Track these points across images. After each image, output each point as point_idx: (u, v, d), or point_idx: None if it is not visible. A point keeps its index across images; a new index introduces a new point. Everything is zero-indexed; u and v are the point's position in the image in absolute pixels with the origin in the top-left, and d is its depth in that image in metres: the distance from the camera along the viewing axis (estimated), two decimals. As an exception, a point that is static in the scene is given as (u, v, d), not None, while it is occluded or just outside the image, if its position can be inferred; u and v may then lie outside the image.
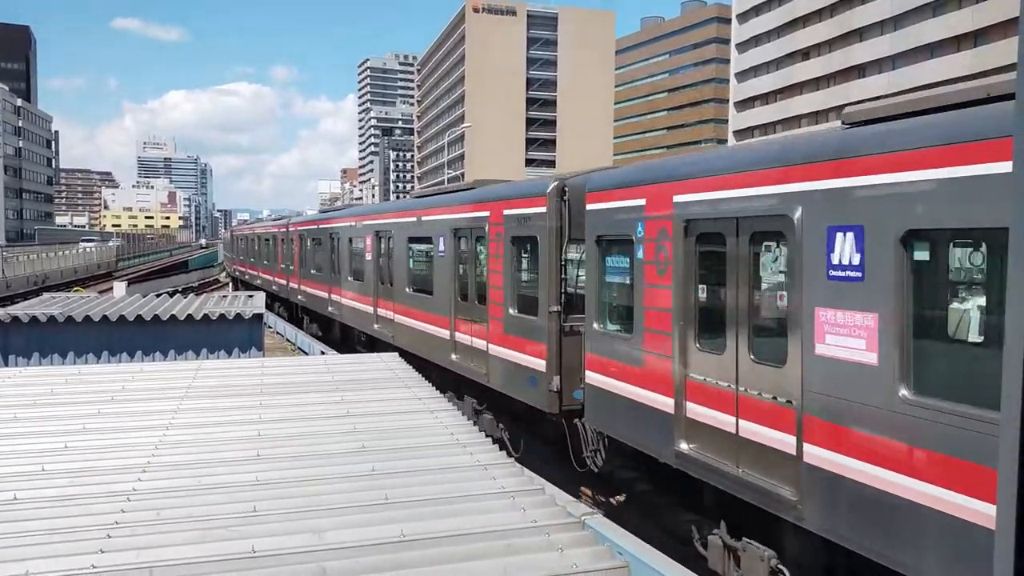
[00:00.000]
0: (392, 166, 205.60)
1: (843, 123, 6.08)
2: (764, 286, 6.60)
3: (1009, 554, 0.71)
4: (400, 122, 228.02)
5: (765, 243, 6.49)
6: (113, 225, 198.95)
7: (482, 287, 12.08)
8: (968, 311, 5.07)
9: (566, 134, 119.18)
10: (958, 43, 62.79)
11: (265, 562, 3.59)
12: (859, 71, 73.21)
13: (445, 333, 13.30)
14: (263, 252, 35.16)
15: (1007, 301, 0.74)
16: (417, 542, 3.79)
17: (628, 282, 8.39)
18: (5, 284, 44.00)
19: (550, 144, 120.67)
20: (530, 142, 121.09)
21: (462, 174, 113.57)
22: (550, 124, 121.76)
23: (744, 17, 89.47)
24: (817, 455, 5.64)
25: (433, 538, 3.83)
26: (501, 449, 5.49)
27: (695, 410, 7.13)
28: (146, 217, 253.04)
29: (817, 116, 77.26)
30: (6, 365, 11.06)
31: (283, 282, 30.08)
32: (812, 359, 5.68)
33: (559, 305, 9.88)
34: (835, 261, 5.52)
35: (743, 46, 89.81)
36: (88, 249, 67.82)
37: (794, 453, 5.86)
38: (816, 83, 79.41)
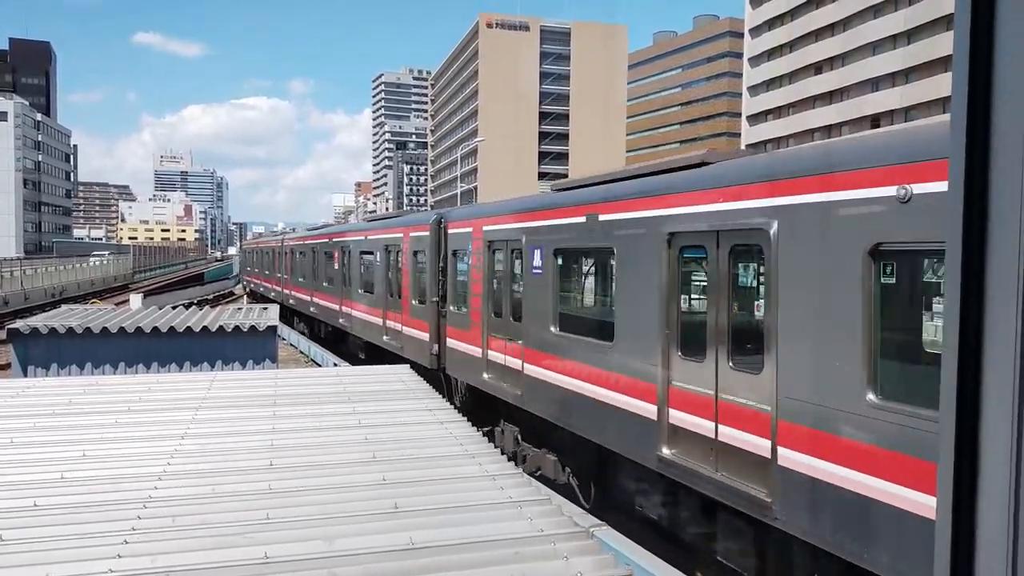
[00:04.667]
0: (406, 179, 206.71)
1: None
2: None
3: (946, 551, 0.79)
4: (414, 136, 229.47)
5: None
6: (130, 238, 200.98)
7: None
8: None
9: (579, 148, 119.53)
10: (972, 57, 62.52)
11: (277, 568, 3.68)
12: (872, 84, 73.12)
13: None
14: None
15: (944, 312, 0.83)
16: (425, 550, 3.87)
17: None
18: (24, 296, 44.54)
19: (563, 157, 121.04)
20: (543, 155, 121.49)
21: (475, 187, 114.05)
22: (563, 138, 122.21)
23: (756, 31, 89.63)
24: None
25: (441, 546, 3.91)
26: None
27: None
28: (162, 230, 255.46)
29: (830, 130, 77.13)
30: (25, 376, 11.24)
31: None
32: None
33: None
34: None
35: (755, 60, 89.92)
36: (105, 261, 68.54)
37: None
38: (829, 97, 79.34)
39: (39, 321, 12.38)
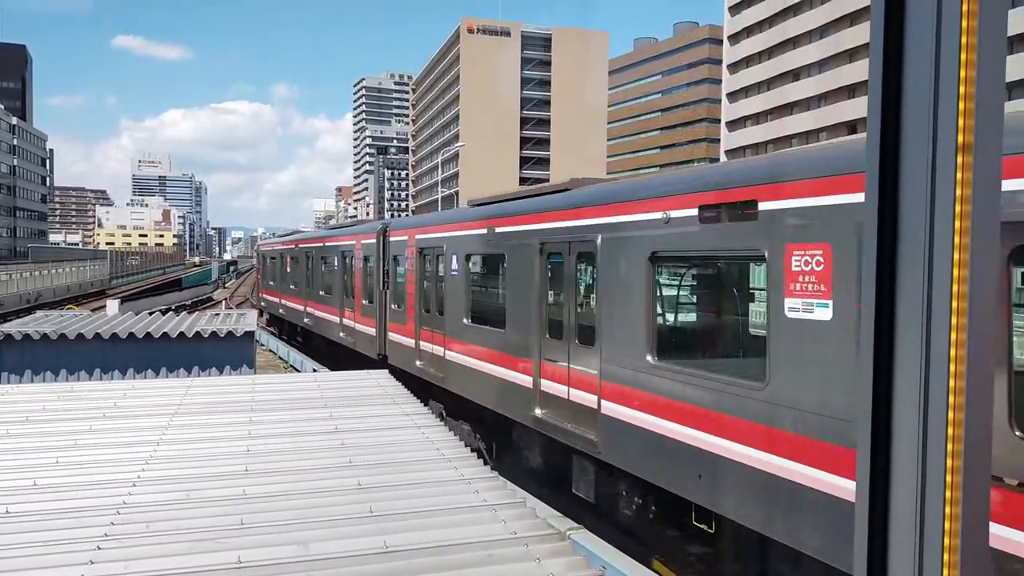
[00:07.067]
0: (387, 184, 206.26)
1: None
2: None
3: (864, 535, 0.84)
4: (395, 141, 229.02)
5: None
6: (107, 243, 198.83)
7: None
8: None
9: (559, 153, 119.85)
10: (946, 64, 63.44)
11: (252, 573, 3.69)
12: (849, 91, 74.02)
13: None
14: None
15: (862, 314, 0.89)
16: (399, 553, 3.89)
17: None
18: (-2, 302, 43.88)
19: (544, 163, 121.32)
20: (524, 161, 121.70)
21: (456, 192, 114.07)
22: (544, 143, 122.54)
23: (736, 38, 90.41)
24: None
25: (415, 549, 3.94)
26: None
27: None
28: (140, 235, 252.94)
29: (808, 136, 77.95)
30: (-2, 382, 11.13)
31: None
32: None
33: None
34: None
35: (735, 67, 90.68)
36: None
37: None
38: (807, 103, 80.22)
39: (14, 327, 12.25)
